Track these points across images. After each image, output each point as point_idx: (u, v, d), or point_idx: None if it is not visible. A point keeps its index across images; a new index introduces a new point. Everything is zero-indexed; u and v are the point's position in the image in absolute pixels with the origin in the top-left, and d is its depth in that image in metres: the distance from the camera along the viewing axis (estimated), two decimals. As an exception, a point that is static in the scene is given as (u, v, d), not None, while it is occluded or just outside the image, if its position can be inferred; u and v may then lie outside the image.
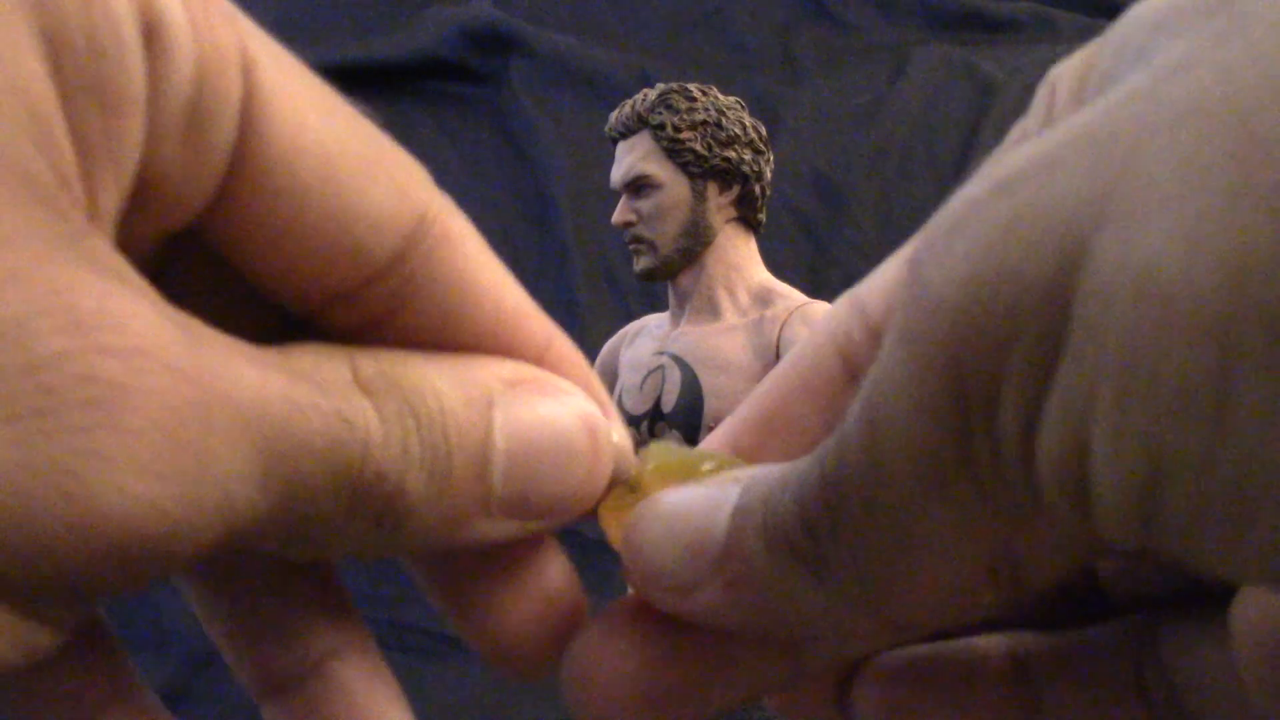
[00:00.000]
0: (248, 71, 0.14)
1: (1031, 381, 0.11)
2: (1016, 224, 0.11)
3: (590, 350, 1.71)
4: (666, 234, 1.35)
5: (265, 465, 0.13)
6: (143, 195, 0.14)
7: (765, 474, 0.15)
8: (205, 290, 0.15)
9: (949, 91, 2.66)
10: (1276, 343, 0.09)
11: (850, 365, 0.19)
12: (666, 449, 0.18)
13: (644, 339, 1.44)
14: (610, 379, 1.44)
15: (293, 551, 0.15)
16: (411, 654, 2.46)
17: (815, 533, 0.14)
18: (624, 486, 0.18)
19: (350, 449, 0.14)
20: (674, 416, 1.33)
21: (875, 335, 0.18)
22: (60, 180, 0.12)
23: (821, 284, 2.20)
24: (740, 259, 1.38)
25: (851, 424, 0.13)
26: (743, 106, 1.41)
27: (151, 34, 0.13)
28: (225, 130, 0.14)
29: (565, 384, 0.17)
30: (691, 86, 1.38)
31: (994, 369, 0.11)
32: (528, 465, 0.16)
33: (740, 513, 0.15)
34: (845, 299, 0.19)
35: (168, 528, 0.12)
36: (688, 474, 0.18)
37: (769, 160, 1.41)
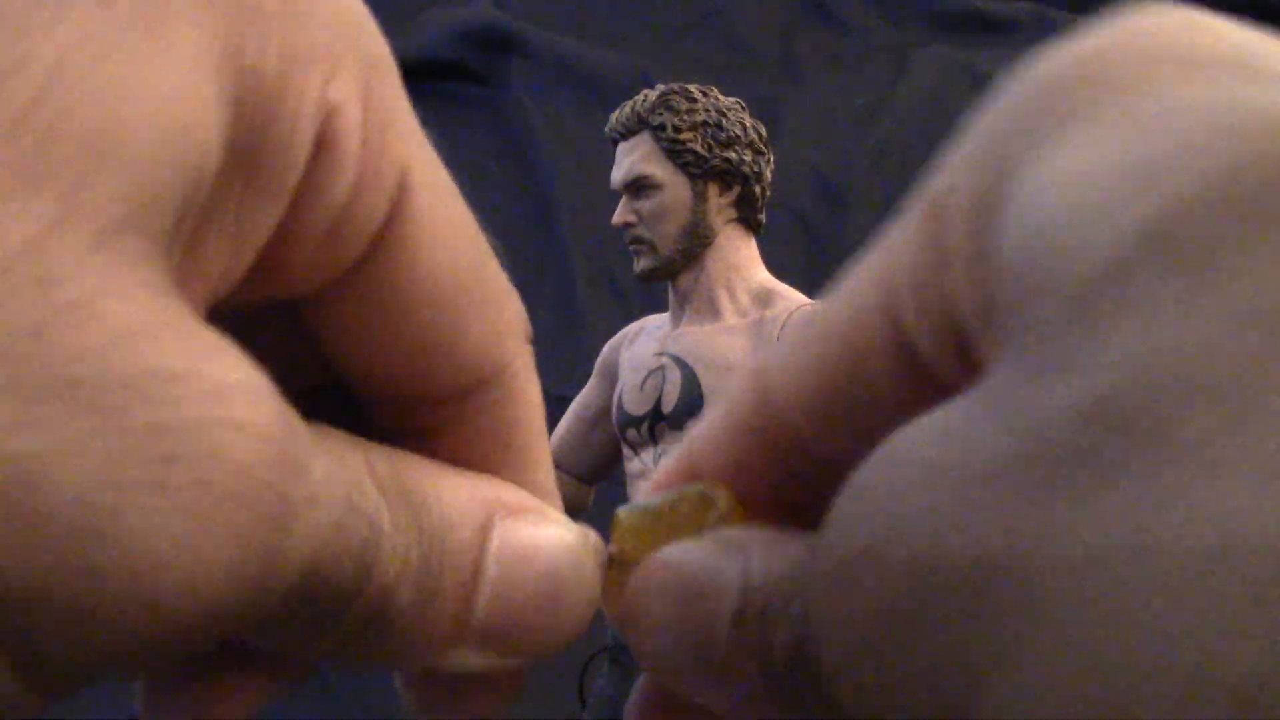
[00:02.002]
0: (399, 196, 0.14)
1: None
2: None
3: (590, 350, 1.71)
4: (667, 235, 1.35)
5: (314, 555, 0.12)
6: (262, 269, 0.13)
7: (763, 569, 0.15)
8: (261, 329, 0.15)
9: (949, 92, 2.66)
10: None
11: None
12: (634, 513, 0.18)
13: (644, 339, 1.44)
14: (610, 380, 1.44)
15: (261, 643, 0.14)
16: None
17: (803, 687, 0.14)
18: (609, 566, 0.17)
19: (371, 552, 0.13)
20: (674, 417, 1.33)
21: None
22: (174, 235, 0.12)
23: (821, 284, 2.19)
24: (740, 259, 1.38)
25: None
26: (743, 107, 1.41)
27: (323, 145, 0.13)
28: (358, 243, 0.14)
29: (563, 519, 0.17)
30: (692, 87, 1.38)
31: None
32: (514, 597, 0.15)
33: (740, 622, 0.15)
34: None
35: (222, 596, 0.11)
36: (665, 528, 0.17)
37: (769, 161, 1.41)
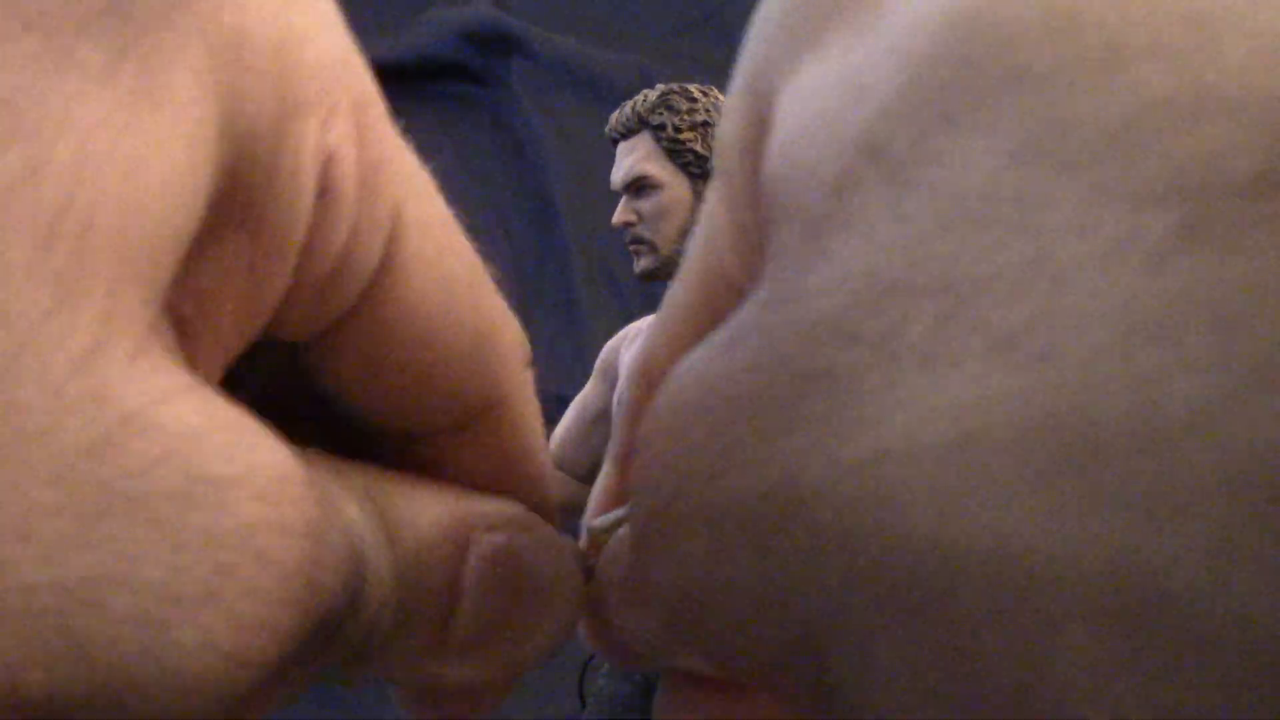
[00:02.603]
0: (392, 238, 0.13)
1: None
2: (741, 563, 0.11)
3: (590, 350, 1.71)
4: (667, 235, 1.35)
5: (321, 619, 0.12)
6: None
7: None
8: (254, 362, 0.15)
9: (949, 92, 2.66)
10: None
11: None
12: (607, 524, 0.18)
13: (644, 340, 1.44)
14: (610, 380, 1.44)
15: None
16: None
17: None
18: (588, 578, 0.18)
19: (357, 585, 0.13)
20: (674, 417, 1.33)
21: None
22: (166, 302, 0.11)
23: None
24: (740, 259, 1.38)
25: None
26: (743, 107, 1.41)
27: (323, 193, 0.12)
28: (353, 288, 0.13)
29: (549, 530, 0.17)
30: (692, 87, 1.38)
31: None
32: (495, 612, 0.15)
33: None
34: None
35: (251, 681, 0.11)
36: None
37: (769, 160, 1.41)
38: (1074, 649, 0.08)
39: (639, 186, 1.36)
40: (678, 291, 0.16)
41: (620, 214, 1.39)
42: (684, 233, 1.36)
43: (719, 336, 0.11)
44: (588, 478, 1.46)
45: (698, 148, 1.35)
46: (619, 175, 1.39)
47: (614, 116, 1.41)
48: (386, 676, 0.15)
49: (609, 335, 1.52)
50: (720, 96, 1.40)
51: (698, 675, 0.16)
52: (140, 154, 0.10)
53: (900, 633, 0.09)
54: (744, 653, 0.11)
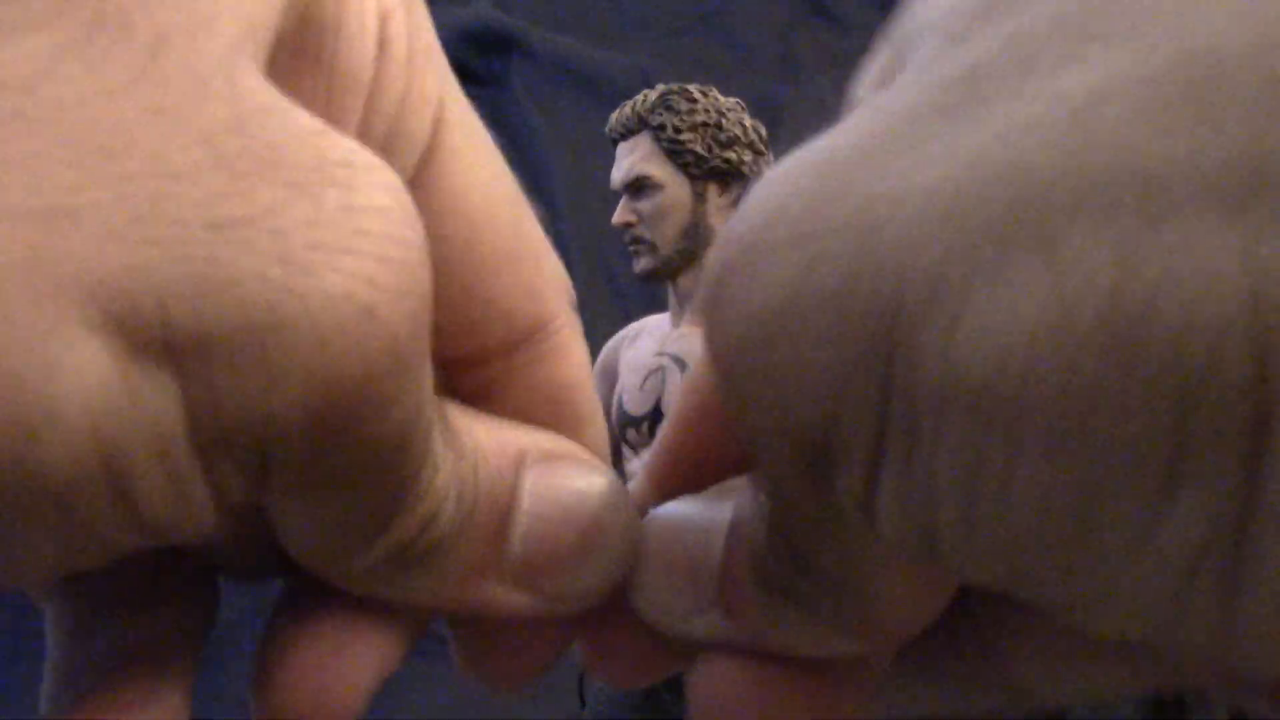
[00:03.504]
0: (438, 126, 0.14)
1: (863, 454, 0.11)
2: (830, 273, 0.11)
3: (590, 351, 1.70)
4: (666, 235, 1.35)
5: (425, 384, 0.13)
6: None
7: (751, 494, 0.15)
8: None
9: (949, 92, 2.66)
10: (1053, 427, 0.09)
11: None
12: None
13: (644, 340, 1.44)
14: (610, 380, 1.44)
15: (328, 542, 0.14)
16: (411, 654, 2.45)
17: (788, 572, 0.14)
18: None
19: (432, 440, 0.14)
20: (674, 417, 1.33)
21: None
22: None
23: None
24: (740, 259, 1.38)
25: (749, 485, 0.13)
26: (743, 108, 1.41)
27: (382, 46, 0.13)
28: (407, 161, 0.14)
29: (607, 469, 0.17)
30: (692, 87, 1.38)
31: (821, 437, 0.11)
32: (550, 535, 0.15)
33: (733, 540, 0.15)
34: None
35: (387, 367, 0.12)
36: None
37: (769, 161, 1.41)
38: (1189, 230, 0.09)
39: (639, 186, 1.36)
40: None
41: (620, 214, 1.39)
42: (684, 233, 1.36)
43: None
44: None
45: (698, 148, 1.35)
46: (619, 175, 1.39)
47: (614, 116, 1.41)
48: (448, 605, 0.16)
49: (609, 335, 1.52)
50: (720, 96, 1.40)
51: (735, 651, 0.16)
52: None
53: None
54: (818, 371, 0.11)
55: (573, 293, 0.16)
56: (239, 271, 0.11)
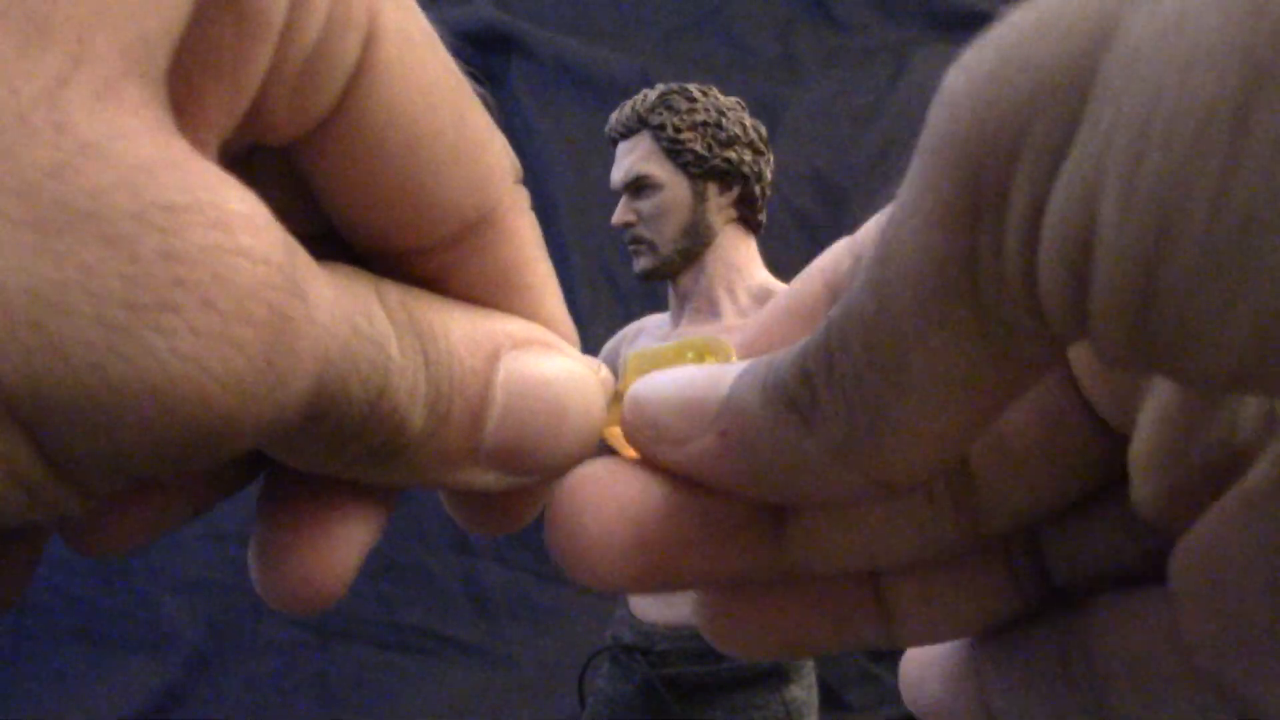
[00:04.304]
0: (369, 40, 0.14)
1: (1043, 167, 0.11)
2: (1041, 20, 0.11)
3: (590, 350, 1.69)
4: (666, 234, 1.35)
5: (320, 373, 0.13)
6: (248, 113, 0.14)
7: (772, 353, 0.16)
8: (262, 181, 0.16)
9: (949, 92, 2.65)
10: None
11: (835, 294, 0.19)
12: (643, 354, 0.18)
13: (644, 339, 1.44)
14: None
15: (291, 459, 0.15)
16: (411, 654, 2.46)
17: (811, 380, 0.14)
18: (614, 399, 0.18)
19: (380, 375, 0.14)
20: (674, 417, 1.33)
21: None
22: (166, 75, 0.12)
23: (821, 284, 2.19)
24: (740, 259, 1.38)
25: (863, 264, 0.13)
26: (743, 107, 1.41)
27: None
28: (332, 86, 0.14)
29: (570, 349, 0.18)
30: (692, 87, 1.38)
31: (1007, 163, 0.11)
32: (521, 422, 0.16)
33: (743, 375, 0.16)
34: (843, 241, 0.19)
35: (233, 407, 0.12)
36: (670, 367, 0.18)
37: (769, 161, 1.41)
38: None
39: (639, 186, 1.36)
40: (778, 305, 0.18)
41: (620, 214, 1.39)
42: (684, 232, 1.36)
43: None
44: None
45: (698, 147, 1.35)
46: (619, 175, 1.38)
47: (614, 116, 1.41)
48: (425, 486, 0.16)
49: (609, 335, 1.52)
50: (720, 96, 1.40)
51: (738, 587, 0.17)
52: None
53: None
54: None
55: (518, 166, 0.17)
56: (62, 339, 0.11)
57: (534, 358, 0.17)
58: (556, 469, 0.17)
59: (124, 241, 0.11)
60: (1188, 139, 0.10)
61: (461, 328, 0.16)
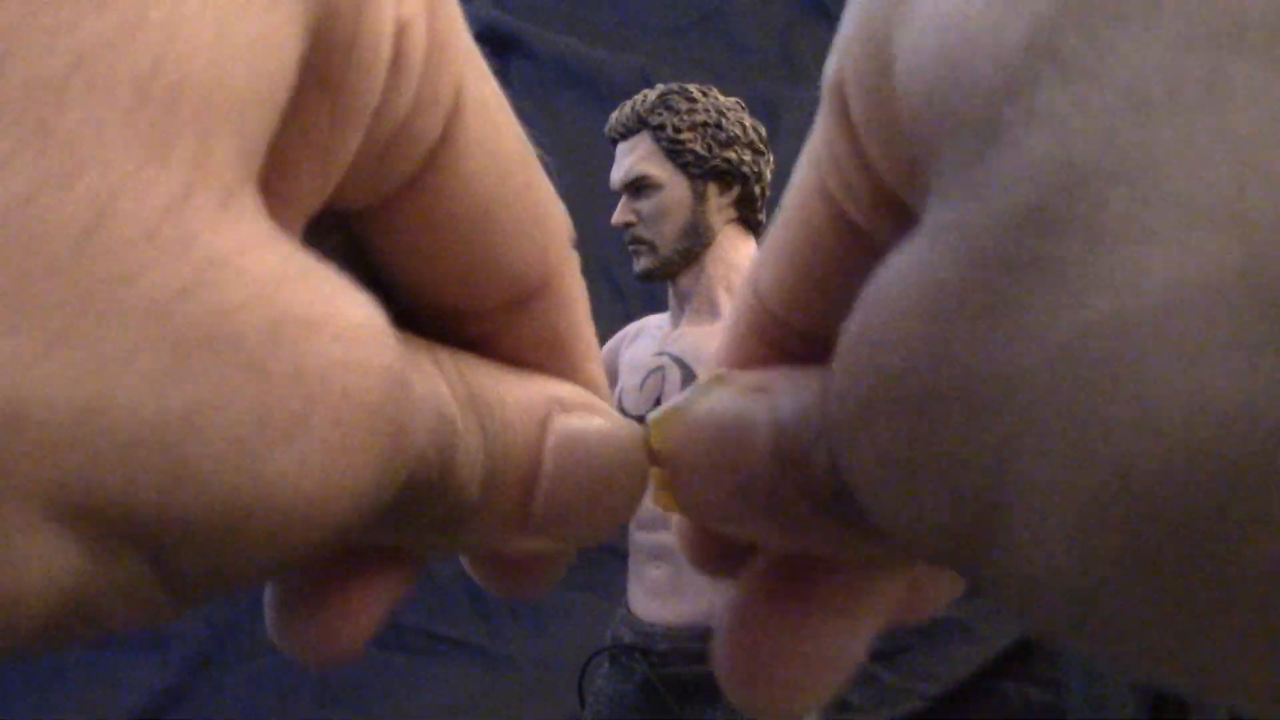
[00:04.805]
0: (454, 113, 0.14)
1: None
2: None
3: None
4: (666, 235, 1.35)
5: (413, 467, 0.13)
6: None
7: (792, 407, 0.16)
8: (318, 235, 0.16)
9: (949, 92, 2.65)
10: None
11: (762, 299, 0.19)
12: (664, 413, 0.18)
13: (644, 340, 1.44)
14: (610, 380, 1.44)
15: (365, 538, 0.15)
16: (412, 654, 2.46)
17: (839, 496, 0.15)
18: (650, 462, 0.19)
19: (449, 453, 0.14)
20: (674, 417, 1.33)
21: None
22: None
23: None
24: (740, 259, 1.38)
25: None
26: (743, 107, 1.41)
27: (396, 61, 0.13)
28: (413, 159, 0.14)
29: (614, 413, 0.18)
30: (691, 87, 1.38)
31: None
32: (570, 488, 0.16)
33: (779, 451, 0.16)
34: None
35: (349, 513, 0.12)
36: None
37: (769, 161, 1.41)
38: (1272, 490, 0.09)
39: (638, 186, 1.36)
40: (781, 216, 0.17)
41: (620, 214, 1.39)
42: (683, 232, 1.36)
43: (915, 241, 0.12)
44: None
45: (697, 148, 1.35)
46: (619, 175, 1.38)
47: (614, 116, 1.41)
48: (468, 554, 0.17)
49: (609, 335, 1.52)
50: (720, 96, 1.40)
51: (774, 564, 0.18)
52: (230, 13, 0.11)
53: (1081, 480, 0.10)
54: (920, 523, 0.12)
55: (572, 231, 0.17)
56: (192, 464, 0.10)
57: (579, 421, 0.17)
58: (600, 533, 0.17)
59: (256, 361, 0.11)
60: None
61: (514, 395, 0.16)
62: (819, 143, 0.15)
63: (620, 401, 1.40)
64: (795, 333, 0.18)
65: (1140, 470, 0.09)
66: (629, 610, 1.42)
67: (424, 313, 0.16)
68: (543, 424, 0.16)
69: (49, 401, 0.10)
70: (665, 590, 1.37)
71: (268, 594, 0.17)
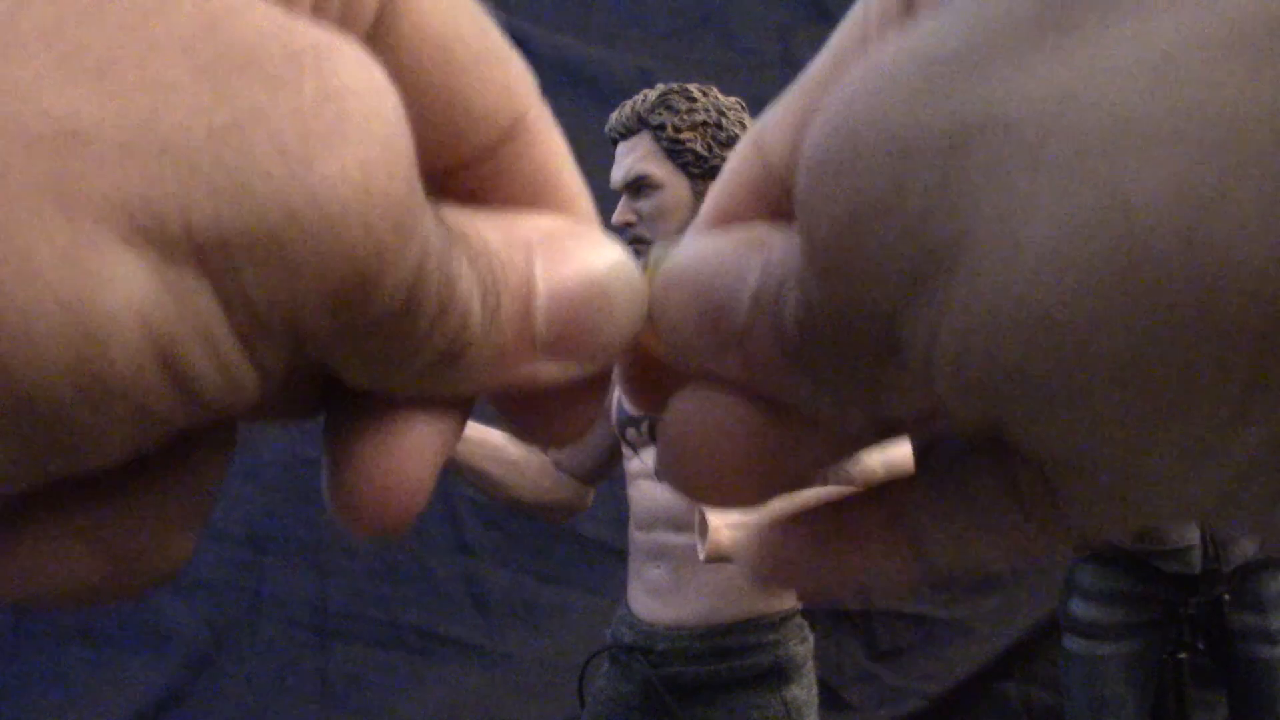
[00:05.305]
0: None
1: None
2: (921, 180, 0.12)
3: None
4: (666, 234, 1.35)
5: (424, 244, 0.14)
6: None
7: (781, 256, 0.16)
8: None
9: (949, 92, 2.65)
10: None
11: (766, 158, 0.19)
12: (665, 248, 0.19)
13: (644, 339, 1.44)
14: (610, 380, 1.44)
15: (364, 370, 0.15)
16: (412, 654, 2.46)
17: (806, 345, 0.15)
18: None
19: (447, 266, 0.15)
20: (674, 417, 1.33)
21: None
22: None
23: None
24: (740, 259, 1.38)
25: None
26: (743, 107, 1.41)
27: None
28: (365, 11, 0.15)
29: (600, 233, 0.18)
30: (692, 87, 1.38)
31: (892, 310, 0.13)
32: (568, 308, 0.17)
33: (757, 301, 0.16)
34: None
35: (387, 243, 0.13)
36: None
37: (769, 160, 1.40)
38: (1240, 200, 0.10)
39: (639, 186, 1.36)
40: (802, 79, 0.18)
41: (620, 214, 1.38)
42: (683, 232, 1.35)
43: (925, 14, 0.13)
44: (588, 478, 1.46)
45: (698, 147, 1.35)
46: (619, 175, 1.38)
47: (614, 116, 1.41)
48: (490, 388, 0.17)
49: (609, 335, 1.52)
50: (720, 96, 1.40)
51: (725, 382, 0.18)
52: None
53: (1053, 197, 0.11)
54: (891, 268, 0.13)
55: (534, 79, 0.18)
56: (245, 173, 0.11)
57: (569, 245, 0.17)
58: (609, 350, 0.18)
59: (286, 82, 0.12)
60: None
61: (492, 227, 0.16)
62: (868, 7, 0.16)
63: (620, 401, 1.40)
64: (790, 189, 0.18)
65: (1140, 192, 0.10)
66: (629, 610, 1.42)
67: None
68: (527, 250, 0.17)
69: (103, 122, 0.11)
70: (665, 590, 1.37)
71: (324, 476, 0.17)
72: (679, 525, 1.33)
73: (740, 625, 1.35)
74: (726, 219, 0.20)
